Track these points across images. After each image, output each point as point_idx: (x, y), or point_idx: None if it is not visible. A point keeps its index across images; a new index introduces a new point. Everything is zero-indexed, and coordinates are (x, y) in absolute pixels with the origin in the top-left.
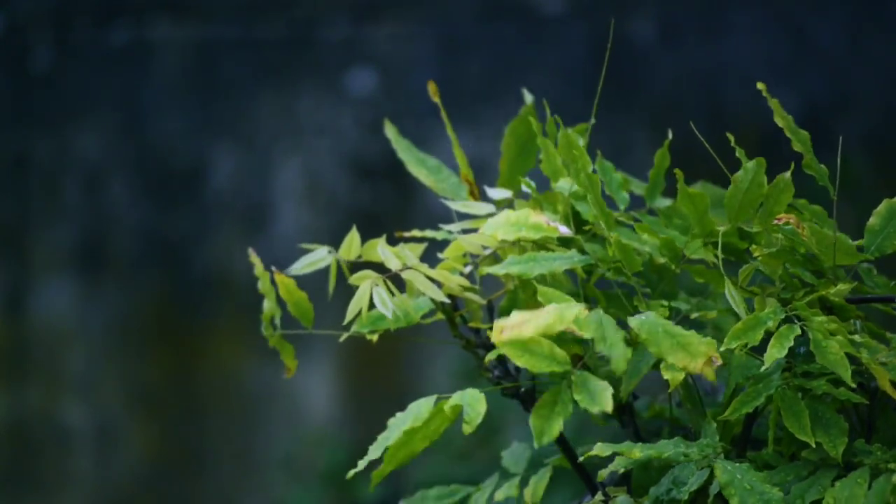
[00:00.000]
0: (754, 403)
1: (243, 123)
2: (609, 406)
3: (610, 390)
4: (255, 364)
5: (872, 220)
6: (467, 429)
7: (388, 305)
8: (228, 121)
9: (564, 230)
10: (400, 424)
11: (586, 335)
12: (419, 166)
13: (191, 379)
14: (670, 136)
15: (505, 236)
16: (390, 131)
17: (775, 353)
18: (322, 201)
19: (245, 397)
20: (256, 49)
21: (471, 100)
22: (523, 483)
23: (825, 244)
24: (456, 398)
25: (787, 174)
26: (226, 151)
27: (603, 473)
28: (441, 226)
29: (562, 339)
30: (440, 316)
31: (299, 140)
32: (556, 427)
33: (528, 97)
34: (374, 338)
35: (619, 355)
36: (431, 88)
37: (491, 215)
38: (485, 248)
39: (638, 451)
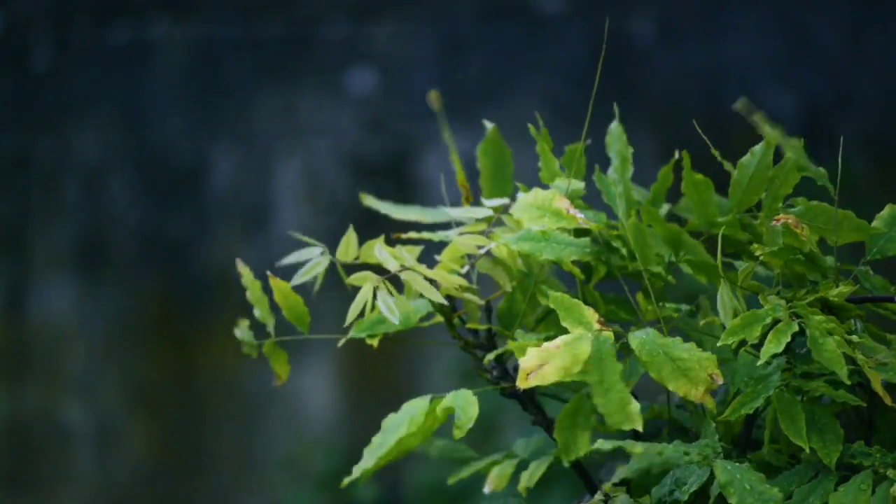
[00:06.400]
0: (754, 405)
1: (243, 123)
2: (639, 423)
3: (637, 405)
4: (254, 364)
5: (875, 223)
6: (457, 433)
7: (394, 312)
8: (228, 121)
9: (583, 220)
10: (395, 429)
11: (588, 379)
12: (405, 213)
13: (191, 379)
14: (677, 155)
15: (530, 222)
16: (367, 200)
17: (772, 348)
18: (322, 201)
19: (245, 397)
20: (256, 49)
21: (470, 99)
22: (523, 465)
23: (828, 226)
24: (449, 399)
25: (793, 155)
26: (226, 151)
27: (608, 487)
28: (439, 232)
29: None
30: (438, 318)
31: (299, 140)
32: (583, 442)
33: (489, 125)
34: (375, 342)
35: (613, 402)
36: (433, 97)
37: (488, 218)
38: (480, 247)
39: (640, 448)
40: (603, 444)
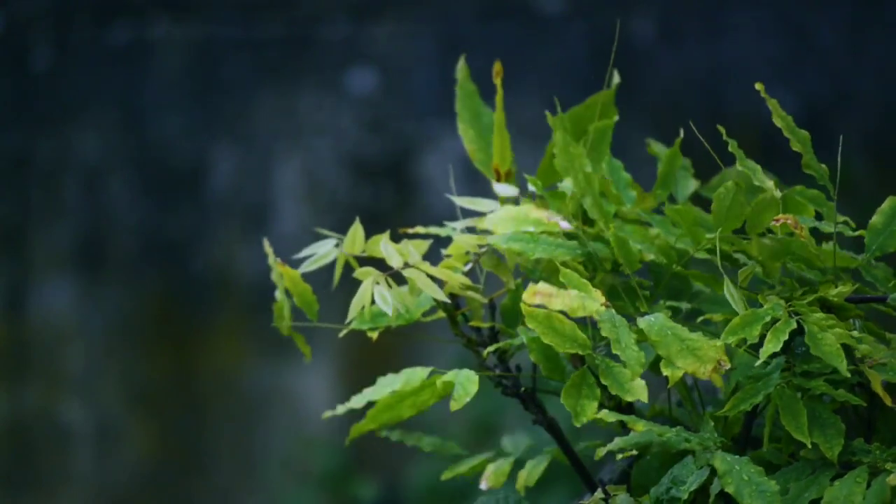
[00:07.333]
0: (753, 401)
1: (243, 123)
2: (644, 396)
3: (642, 381)
4: (255, 364)
5: (875, 219)
6: (454, 406)
7: (388, 302)
8: (228, 121)
9: (565, 225)
10: (389, 384)
11: (603, 333)
12: (471, 123)
13: (191, 378)
14: (682, 134)
15: (504, 231)
16: (462, 72)
17: (771, 347)
18: (322, 201)
19: (245, 397)
20: (256, 49)
21: None
22: (519, 465)
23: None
24: (450, 375)
25: (769, 193)
26: (226, 151)
27: (600, 452)
28: (445, 223)
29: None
30: (441, 314)
31: (299, 140)
32: (591, 408)
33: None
34: (375, 335)
35: (633, 359)
36: (496, 68)
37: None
38: (481, 245)
39: (641, 426)
40: (606, 416)
